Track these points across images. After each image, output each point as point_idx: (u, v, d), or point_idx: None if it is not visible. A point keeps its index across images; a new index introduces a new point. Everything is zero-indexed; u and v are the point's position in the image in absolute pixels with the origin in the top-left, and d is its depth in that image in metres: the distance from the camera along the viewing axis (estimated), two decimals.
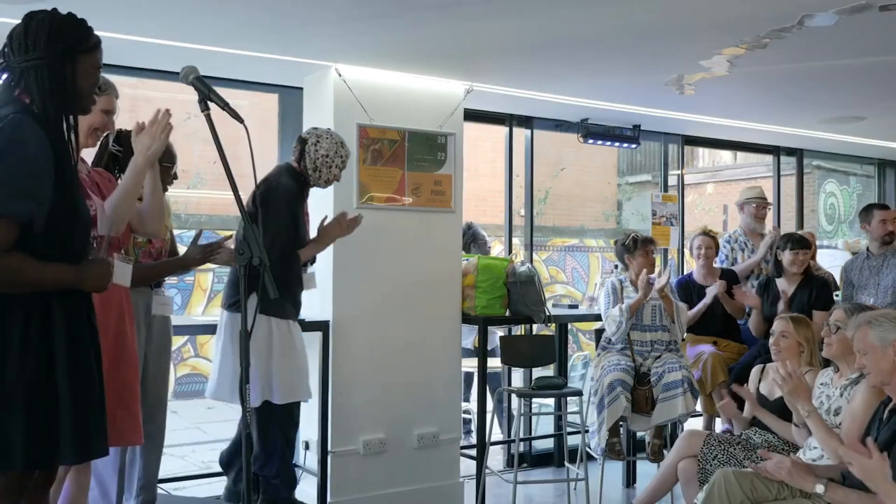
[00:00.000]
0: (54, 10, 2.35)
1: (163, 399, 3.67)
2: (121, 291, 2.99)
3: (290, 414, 4.07)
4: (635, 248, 5.10)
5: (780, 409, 3.84)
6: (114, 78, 3.24)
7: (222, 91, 2.60)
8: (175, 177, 3.67)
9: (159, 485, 4.47)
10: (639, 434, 5.53)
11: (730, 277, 5.56)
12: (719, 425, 5.34)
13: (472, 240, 6.19)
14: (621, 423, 4.89)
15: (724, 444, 3.83)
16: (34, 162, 2.19)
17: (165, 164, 3.52)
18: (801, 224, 7.81)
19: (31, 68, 2.26)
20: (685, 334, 5.36)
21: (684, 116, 6.08)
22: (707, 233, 5.66)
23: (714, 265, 5.68)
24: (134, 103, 8.75)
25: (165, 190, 3.59)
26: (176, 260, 3.65)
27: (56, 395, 2.20)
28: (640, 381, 4.90)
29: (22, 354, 2.14)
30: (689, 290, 5.60)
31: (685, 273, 6.24)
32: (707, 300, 5.46)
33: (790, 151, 7.66)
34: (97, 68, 2.41)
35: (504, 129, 6.01)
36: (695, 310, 5.47)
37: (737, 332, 5.57)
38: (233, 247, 3.41)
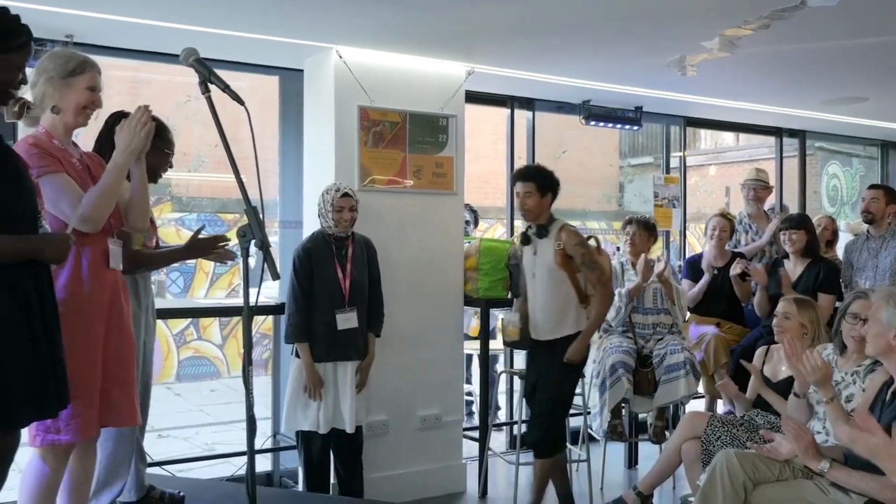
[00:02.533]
0: None
1: (150, 380, 3.66)
2: (115, 274, 2.99)
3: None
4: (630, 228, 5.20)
5: (785, 391, 3.84)
6: (114, 61, 3.24)
7: (223, 73, 2.59)
8: (171, 165, 3.65)
9: (163, 466, 4.51)
10: (640, 415, 5.55)
11: (740, 259, 5.55)
12: (721, 407, 5.35)
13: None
14: (623, 404, 4.90)
15: (727, 425, 3.84)
16: None
17: (166, 151, 3.52)
18: (803, 206, 7.80)
19: None
20: (687, 315, 5.36)
21: (686, 98, 6.05)
22: (724, 215, 5.67)
23: (725, 248, 5.68)
24: (134, 86, 8.74)
25: (160, 177, 3.59)
26: (182, 248, 3.65)
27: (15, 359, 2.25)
28: (643, 364, 4.91)
29: None
30: (697, 269, 5.61)
31: (688, 255, 6.23)
32: (707, 276, 5.46)
33: (793, 133, 7.64)
34: (18, 68, 2.38)
35: (505, 111, 5.99)
36: (697, 287, 5.48)
37: (741, 314, 5.56)
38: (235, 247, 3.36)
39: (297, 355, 4.26)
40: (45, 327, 2.36)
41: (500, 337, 5.25)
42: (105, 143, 3.45)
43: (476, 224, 6.36)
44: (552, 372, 4.28)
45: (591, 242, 4.45)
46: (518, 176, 4.31)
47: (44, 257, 2.39)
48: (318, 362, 4.22)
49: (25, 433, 2.59)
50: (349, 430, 4.23)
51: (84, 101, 2.90)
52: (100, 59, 2.98)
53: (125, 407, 2.94)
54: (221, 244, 3.58)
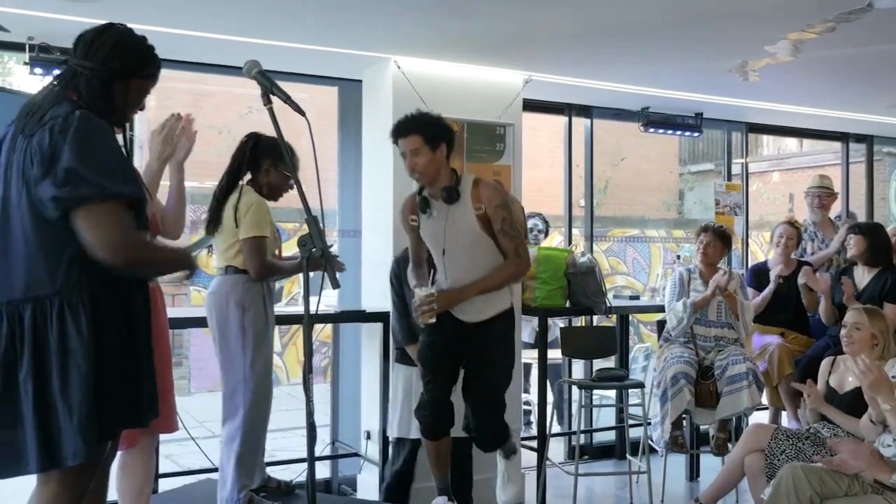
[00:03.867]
0: (129, 29, 2.42)
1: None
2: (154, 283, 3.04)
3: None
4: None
5: (852, 403, 3.74)
6: (176, 73, 3.30)
7: (283, 85, 2.63)
8: (292, 186, 3.50)
9: (208, 474, 4.55)
10: (702, 427, 5.45)
11: (806, 269, 5.44)
12: (785, 419, 5.23)
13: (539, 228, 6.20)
14: (684, 415, 4.83)
15: (792, 438, 3.75)
16: (120, 148, 2.33)
17: (285, 174, 3.64)
18: (871, 213, 7.59)
19: (83, 73, 2.33)
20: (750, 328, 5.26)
21: (748, 103, 5.95)
22: (791, 223, 5.56)
23: (791, 256, 5.56)
24: (197, 98, 8.93)
25: (280, 196, 3.75)
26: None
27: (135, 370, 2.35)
28: (704, 375, 4.82)
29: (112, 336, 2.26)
30: (762, 277, 5.50)
31: (752, 263, 6.12)
32: (772, 285, 5.35)
33: (859, 138, 7.44)
34: (145, 93, 2.48)
35: (562, 119, 5.96)
36: (761, 297, 5.37)
37: (806, 324, 5.44)
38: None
39: (400, 361, 4.27)
40: (147, 339, 2.42)
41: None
42: (245, 162, 3.59)
43: (547, 234, 6.33)
44: (495, 356, 3.64)
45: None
46: (396, 132, 3.52)
47: (193, 268, 2.48)
48: (404, 364, 4.24)
49: None
50: None
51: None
52: (163, 72, 3.05)
53: (164, 415, 2.99)
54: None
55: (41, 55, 4.16)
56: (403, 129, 3.48)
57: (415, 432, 4.12)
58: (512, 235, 3.54)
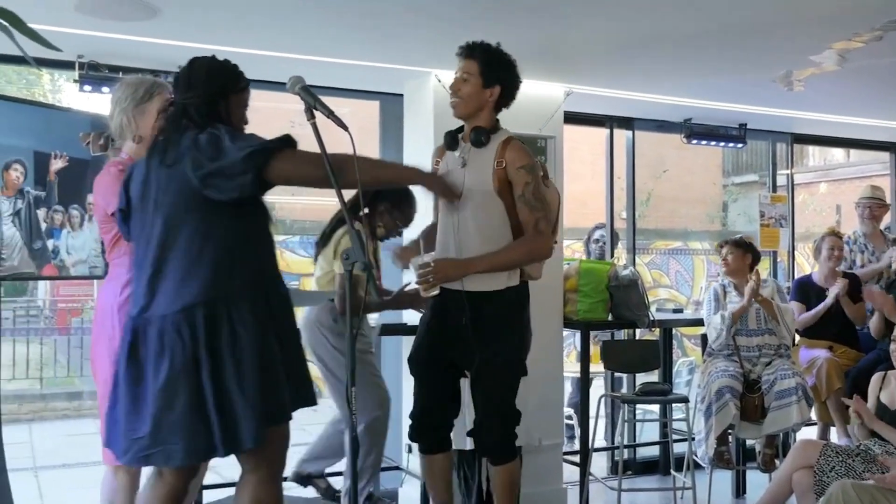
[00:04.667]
0: (213, 56, 2.69)
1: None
2: None
3: None
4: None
5: None
6: None
7: (325, 99, 2.66)
8: (398, 234, 4.25)
9: None
10: (748, 442, 5.37)
11: (852, 281, 5.34)
12: (834, 435, 5.13)
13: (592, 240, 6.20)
14: (730, 430, 4.75)
15: (841, 454, 3.68)
16: None
17: (396, 222, 4.14)
18: None
19: (191, 104, 2.57)
20: (797, 337, 5.17)
21: (793, 114, 5.87)
22: (837, 234, 5.47)
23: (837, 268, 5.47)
24: None
25: (386, 239, 4.13)
26: (392, 298, 4.09)
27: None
28: (750, 388, 4.75)
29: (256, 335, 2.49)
30: (808, 291, 5.41)
31: (797, 276, 6.02)
32: (829, 301, 5.26)
33: None
34: (245, 105, 2.73)
35: (604, 131, 5.94)
36: (813, 312, 5.28)
37: (855, 338, 5.34)
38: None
39: None
40: (291, 332, 2.67)
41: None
42: (365, 196, 3.79)
43: (613, 247, 6.30)
44: (494, 354, 3.16)
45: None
46: (460, 50, 3.25)
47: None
48: None
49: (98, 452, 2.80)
50: None
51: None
52: None
53: None
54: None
55: (90, 73, 4.25)
56: (467, 50, 3.22)
57: (461, 443, 4.13)
58: (534, 206, 3.14)
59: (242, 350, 2.44)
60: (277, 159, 2.44)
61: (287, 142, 2.49)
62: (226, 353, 2.44)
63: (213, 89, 2.60)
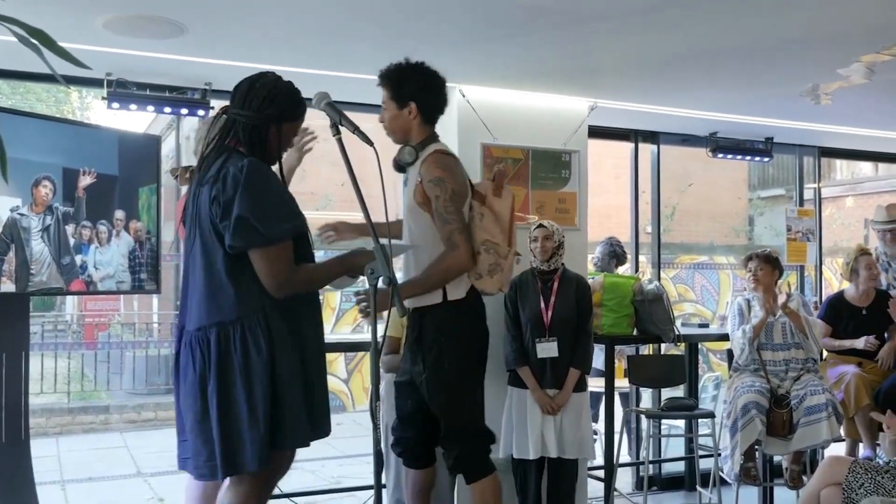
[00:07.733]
0: (278, 77, 2.63)
1: None
2: None
3: None
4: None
5: None
6: None
7: (349, 114, 2.69)
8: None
9: (292, 498, 4.60)
10: (775, 458, 5.30)
11: (884, 297, 5.28)
12: (862, 451, 5.05)
13: (613, 254, 6.14)
14: (756, 446, 4.70)
15: (870, 472, 3.62)
16: (282, 186, 2.63)
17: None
18: None
19: (241, 122, 2.56)
20: (825, 352, 5.11)
21: (821, 127, 5.82)
22: (868, 252, 5.41)
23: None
24: None
25: None
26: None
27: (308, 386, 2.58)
28: (778, 404, 4.69)
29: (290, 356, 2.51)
30: (841, 309, 5.34)
31: (824, 289, 5.96)
32: (857, 345, 5.20)
33: None
34: (295, 133, 2.73)
35: (628, 145, 5.92)
36: (838, 343, 5.22)
37: None
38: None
39: (512, 383, 4.36)
40: (317, 359, 2.66)
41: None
42: None
43: (621, 261, 6.27)
44: (429, 371, 3.11)
45: (486, 183, 3.36)
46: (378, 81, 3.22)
47: (359, 266, 2.62)
48: (517, 387, 4.32)
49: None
50: (552, 454, 4.25)
51: None
52: None
53: None
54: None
55: (118, 90, 4.31)
56: (379, 79, 3.21)
57: (533, 452, 4.23)
58: (445, 219, 3.04)
59: (253, 374, 2.44)
60: (252, 257, 2.47)
61: (280, 237, 2.48)
62: (236, 376, 2.44)
63: (268, 113, 2.57)
